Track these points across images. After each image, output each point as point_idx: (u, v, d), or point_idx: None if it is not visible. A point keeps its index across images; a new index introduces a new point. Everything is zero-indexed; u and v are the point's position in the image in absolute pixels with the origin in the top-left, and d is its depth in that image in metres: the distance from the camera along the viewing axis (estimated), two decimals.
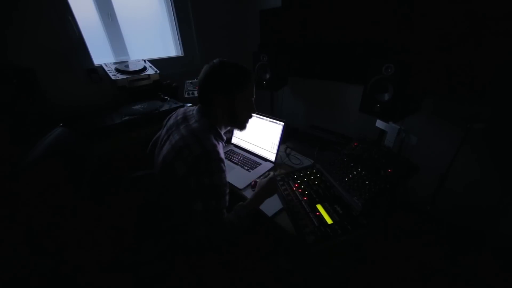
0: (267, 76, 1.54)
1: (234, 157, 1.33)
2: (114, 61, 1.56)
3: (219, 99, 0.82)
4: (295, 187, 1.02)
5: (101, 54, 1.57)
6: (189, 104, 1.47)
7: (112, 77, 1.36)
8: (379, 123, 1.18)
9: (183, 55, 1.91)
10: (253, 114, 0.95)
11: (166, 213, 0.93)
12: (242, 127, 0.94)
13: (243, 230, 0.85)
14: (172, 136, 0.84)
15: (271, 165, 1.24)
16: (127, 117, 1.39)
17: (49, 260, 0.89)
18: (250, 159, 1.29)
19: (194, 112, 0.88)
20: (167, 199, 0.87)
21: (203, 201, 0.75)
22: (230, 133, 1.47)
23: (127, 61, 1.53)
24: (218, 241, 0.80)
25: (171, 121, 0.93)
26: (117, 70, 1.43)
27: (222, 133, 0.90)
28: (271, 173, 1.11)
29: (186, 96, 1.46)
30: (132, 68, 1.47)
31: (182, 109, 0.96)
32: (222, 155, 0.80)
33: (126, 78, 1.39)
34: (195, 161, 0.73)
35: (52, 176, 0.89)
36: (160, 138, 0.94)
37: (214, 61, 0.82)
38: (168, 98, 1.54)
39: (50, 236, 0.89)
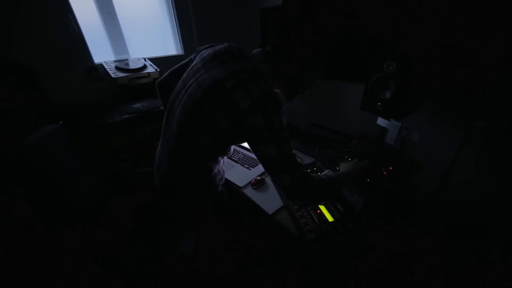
0: None
1: (235, 155, 1.32)
2: (114, 59, 1.55)
3: (297, 55, 0.77)
4: None
5: (102, 53, 1.57)
6: None
7: (112, 75, 1.36)
8: (380, 121, 1.17)
9: (183, 54, 1.91)
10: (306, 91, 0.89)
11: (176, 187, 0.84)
12: (292, 95, 0.86)
13: (333, 191, 0.76)
14: (228, 63, 0.71)
15: None
16: (127, 115, 1.39)
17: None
18: (250, 158, 1.28)
19: (255, 52, 0.79)
20: (198, 136, 0.72)
21: (277, 146, 0.64)
22: None
23: (127, 59, 1.52)
24: (310, 189, 0.68)
25: (220, 47, 0.78)
26: (117, 68, 1.43)
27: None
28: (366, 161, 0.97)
29: None
30: (132, 66, 1.46)
31: (233, 45, 0.80)
32: None
33: (126, 76, 1.39)
34: (263, 97, 0.64)
35: None
36: (193, 66, 0.79)
37: None
38: None
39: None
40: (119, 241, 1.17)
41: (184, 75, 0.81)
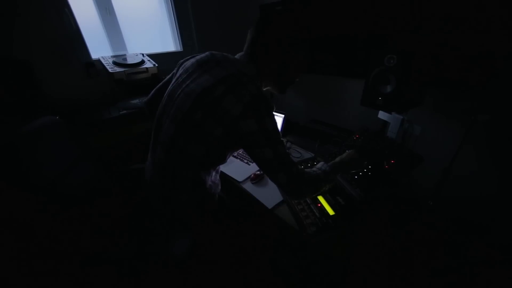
0: None
1: None
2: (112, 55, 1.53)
3: (275, 48, 0.74)
4: None
5: (99, 49, 1.55)
6: None
7: (110, 70, 1.34)
8: (382, 114, 1.16)
9: (182, 50, 1.89)
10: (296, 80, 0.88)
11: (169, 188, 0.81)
12: (284, 88, 0.85)
13: (329, 182, 0.77)
14: (214, 70, 0.71)
15: None
16: (124, 111, 1.37)
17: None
18: None
19: (238, 56, 0.78)
20: (192, 147, 0.71)
21: (271, 148, 0.65)
22: None
23: (125, 55, 1.51)
24: (305, 186, 0.70)
25: (203, 56, 0.78)
26: (114, 63, 1.41)
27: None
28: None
29: None
30: (130, 61, 1.44)
31: (215, 52, 0.81)
32: None
33: (124, 71, 1.37)
34: (254, 102, 0.64)
35: None
36: (177, 78, 0.79)
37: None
38: None
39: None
40: (112, 237, 1.15)
41: (169, 88, 0.80)
